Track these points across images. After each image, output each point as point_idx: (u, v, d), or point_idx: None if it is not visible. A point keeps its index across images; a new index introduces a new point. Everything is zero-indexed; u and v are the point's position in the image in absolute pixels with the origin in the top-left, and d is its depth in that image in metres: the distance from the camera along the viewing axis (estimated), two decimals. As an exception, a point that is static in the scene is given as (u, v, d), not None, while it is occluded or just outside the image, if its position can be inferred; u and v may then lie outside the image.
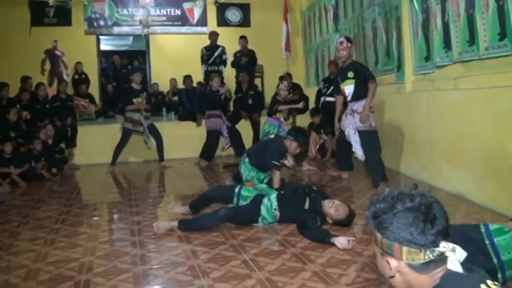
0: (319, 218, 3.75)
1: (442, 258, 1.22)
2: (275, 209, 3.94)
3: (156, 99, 10.38)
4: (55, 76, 9.75)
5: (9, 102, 7.51)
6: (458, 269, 1.22)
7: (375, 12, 6.96)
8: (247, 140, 8.37)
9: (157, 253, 3.46)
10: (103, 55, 12.21)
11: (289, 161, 5.51)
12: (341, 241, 3.32)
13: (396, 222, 1.25)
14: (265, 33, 10.93)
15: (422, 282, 1.24)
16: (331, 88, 7.63)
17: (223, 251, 3.40)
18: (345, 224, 3.78)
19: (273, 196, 4.02)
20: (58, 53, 9.91)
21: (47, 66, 9.92)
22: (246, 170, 5.41)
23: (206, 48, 9.36)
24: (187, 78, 9.64)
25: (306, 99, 8.95)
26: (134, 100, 7.57)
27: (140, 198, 5.51)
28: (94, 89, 10.58)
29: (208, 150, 8.01)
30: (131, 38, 13.10)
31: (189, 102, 9.25)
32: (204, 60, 9.30)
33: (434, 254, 1.22)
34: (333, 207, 3.76)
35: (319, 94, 8.39)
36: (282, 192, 4.14)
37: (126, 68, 12.15)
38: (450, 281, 1.21)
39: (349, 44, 5.48)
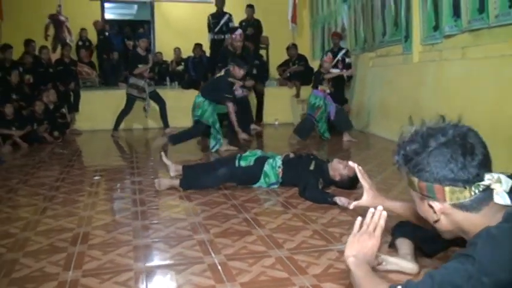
0: (322, 180, 3.71)
1: (489, 193, 1.11)
2: (279, 167, 3.91)
3: (160, 69, 10.30)
4: (58, 41, 9.66)
5: (12, 64, 7.46)
6: (507, 201, 1.11)
7: (383, -19, 6.82)
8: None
9: (158, 210, 3.45)
10: (108, 24, 12.00)
11: (237, 89, 6.08)
12: (342, 199, 3.30)
13: (433, 161, 1.15)
14: (272, 4, 10.73)
15: (473, 221, 1.14)
16: (336, 59, 7.63)
17: (224, 210, 3.37)
18: (350, 185, 3.74)
19: (278, 157, 4.00)
20: (62, 18, 9.80)
21: (51, 31, 9.82)
22: (204, 106, 5.73)
23: (213, 15, 9.17)
24: (198, 46, 9.49)
25: (311, 70, 8.85)
26: (140, 66, 7.50)
27: (142, 161, 5.50)
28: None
29: None
30: (136, 7, 12.92)
31: (195, 70, 9.15)
32: (211, 28, 9.15)
33: (480, 189, 1.11)
34: (342, 164, 3.73)
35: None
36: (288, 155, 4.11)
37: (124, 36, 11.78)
38: None
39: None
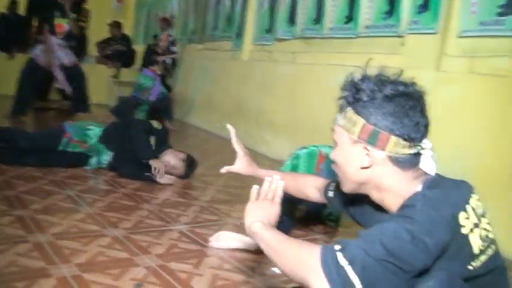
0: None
1: (418, 157, 1.11)
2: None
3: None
4: None
5: None
6: (430, 169, 1.11)
7: (221, -23, 6.89)
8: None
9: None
10: None
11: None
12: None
13: (388, 107, 1.09)
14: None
15: (397, 178, 1.12)
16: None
17: (44, 186, 2.95)
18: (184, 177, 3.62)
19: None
20: None
21: None
22: None
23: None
24: (12, 3, 8.25)
25: (133, 52, 8.51)
26: None
27: None
28: None
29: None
30: None
31: (6, 29, 7.92)
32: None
33: (417, 150, 1.10)
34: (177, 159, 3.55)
35: (148, 50, 8.00)
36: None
37: None
38: (436, 184, 1.09)
39: None
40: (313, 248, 1.04)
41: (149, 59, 6.40)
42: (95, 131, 3.51)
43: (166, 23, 7.68)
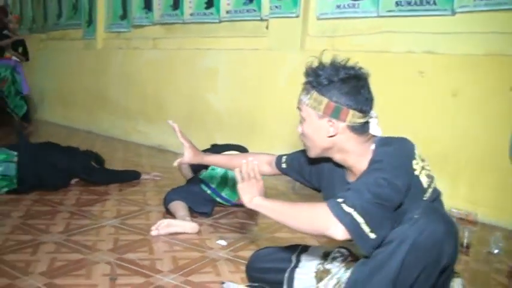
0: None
1: (368, 125, 1.43)
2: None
3: None
4: None
5: None
6: (378, 132, 1.44)
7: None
8: None
9: None
10: None
11: None
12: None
13: (345, 87, 1.38)
14: None
15: (355, 141, 1.43)
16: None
17: None
18: None
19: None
20: None
21: None
22: None
23: None
24: None
25: None
26: None
27: None
28: None
29: None
30: None
31: None
32: None
33: (368, 119, 1.42)
34: None
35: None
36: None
37: None
38: (386, 142, 1.42)
39: None
40: (321, 204, 1.34)
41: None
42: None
43: (3, 12, 7.02)
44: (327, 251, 1.69)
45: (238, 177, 1.55)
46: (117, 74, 5.61)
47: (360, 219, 1.27)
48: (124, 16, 5.62)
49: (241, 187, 1.53)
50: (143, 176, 3.54)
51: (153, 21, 5.21)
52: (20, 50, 5.93)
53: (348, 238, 1.29)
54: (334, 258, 1.64)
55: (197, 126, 4.64)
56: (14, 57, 5.76)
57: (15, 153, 2.99)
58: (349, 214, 1.28)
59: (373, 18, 3.60)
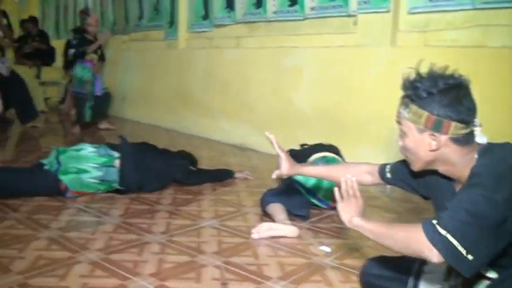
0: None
1: (473, 134, 1.35)
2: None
3: None
4: None
5: None
6: (484, 140, 1.36)
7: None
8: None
9: None
10: None
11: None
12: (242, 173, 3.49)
13: (445, 99, 1.31)
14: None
15: (460, 153, 1.36)
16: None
17: None
18: None
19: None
20: None
21: None
22: None
23: None
24: None
25: (53, 49, 8.06)
26: None
27: None
28: None
29: None
30: None
31: None
32: None
33: (472, 129, 1.34)
34: None
35: (68, 46, 7.60)
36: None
37: None
38: (488, 149, 1.35)
39: None
40: (416, 226, 1.30)
41: (82, 49, 5.84)
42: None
43: (85, 13, 7.35)
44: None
45: (337, 196, 1.53)
46: (200, 73, 5.69)
47: (454, 241, 1.22)
48: (206, 16, 5.68)
49: (340, 206, 1.51)
50: (236, 174, 3.55)
51: (236, 20, 5.22)
52: (99, 52, 6.15)
53: (443, 261, 1.24)
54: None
55: (280, 124, 4.61)
56: (94, 60, 5.95)
57: (116, 155, 3.00)
58: (443, 236, 1.23)
59: (468, 10, 3.40)
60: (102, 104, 6.05)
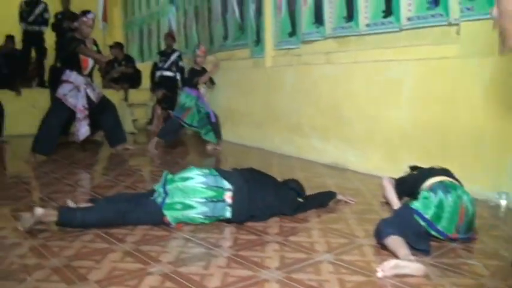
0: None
1: None
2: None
3: None
4: None
5: None
6: None
7: (227, -15, 6.76)
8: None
9: None
10: None
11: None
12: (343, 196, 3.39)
13: None
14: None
15: None
16: (169, 62, 7.33)
17: (2, 239, 2.64)
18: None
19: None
20: None
21: None
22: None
23: (26, 2, 7.95)
24: (10, 38, 8.05)
25: (139, 72, 8.34)
26: None
27: None
28: None
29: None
30: None
31: (7, 66, 7.68)
32: (23, 17, 7.87)
33: None
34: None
35: (155, 68, 7.85)
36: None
37: None
38: None
39: None
40: None
41: (191, 77, 5.97)
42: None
43: (172, 38, 7.57)
44: None
45: None
46: (288, 91, 5.59)
47: None
48: (293, 33, 5.59)
49: None
50: (338, 196, 3.38)
51: (325, 35, 5.08)
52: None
53: None
54: None
55: (379, 143, 4.39)
56: (202, 89, 6.05)
57: (227, 186, 2.86)
58: None
59: None
60: (216, 127, 6.13)
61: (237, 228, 2.83)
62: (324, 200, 3.31)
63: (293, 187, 3.20)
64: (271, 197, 2.98)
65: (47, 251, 2.43)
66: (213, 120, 6.00)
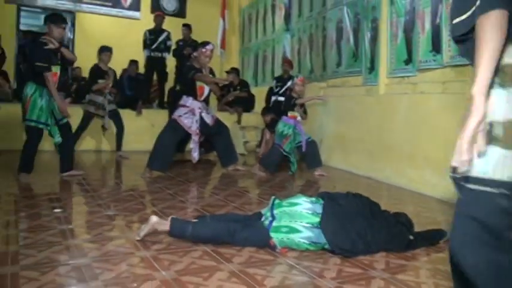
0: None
1: None
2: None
3: (79, 85, 9.34)
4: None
5: None
6: None
7: (343, 12, 6.78)
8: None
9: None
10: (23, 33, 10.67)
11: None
12: None
13: None
14: (201, 27, 10.28)
15: None
16: (286, 87, 7.45)
17: (117, 247, 2.84)
18: None
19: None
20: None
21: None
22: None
23: (150, 31, 8.64)
24: (134, 63, 8.78)
25: (253, 97, 8.62)
26: (100, 81, 6.94)
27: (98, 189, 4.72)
28: (9, 67, 9.25)
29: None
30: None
31: (130, 88, 8.41)
32: (147, 44, 8.56)
33: None
34: None
35: (270, 93, 8.06)
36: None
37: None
38: None
39: None
40: None
41: (287, 104, 6.12)
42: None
43: (289, 64, 7.72)
44: None
45: None
46: (402, 120, 5.43)
47: None
48: (409, 60, 5.44)
49: None
50: (449, 235, 3.15)
51: (443, 63, 4.89)
52: (303, 108, 6.29)
53: None
54: None
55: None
56: (298, 117, 6.10)
57: (318, 212, 2.86)
58: None
59: None
60: (313, 151, 6.16)
61: (341, 260, 2.78)
62: (434, 239, 3.13)
63: (403, 222, 3.07)
64: (380, 231, 2.88)
65: (158, 263, 2.58)
66: (303, 150, 6.03)
